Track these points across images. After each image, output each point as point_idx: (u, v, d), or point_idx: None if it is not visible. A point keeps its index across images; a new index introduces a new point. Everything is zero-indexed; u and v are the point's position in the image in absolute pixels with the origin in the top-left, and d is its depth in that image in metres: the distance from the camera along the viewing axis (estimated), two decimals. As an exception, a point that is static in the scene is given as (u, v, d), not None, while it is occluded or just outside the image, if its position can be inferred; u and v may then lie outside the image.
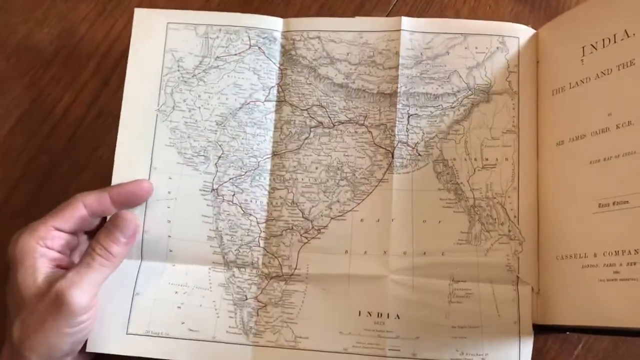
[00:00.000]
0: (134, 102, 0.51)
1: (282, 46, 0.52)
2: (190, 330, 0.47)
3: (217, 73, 0.52)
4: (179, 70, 0.52)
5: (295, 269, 0.48)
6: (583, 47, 0.46)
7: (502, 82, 0.50)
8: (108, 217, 0.47)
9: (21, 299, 0.42)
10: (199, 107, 0.51)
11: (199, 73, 0.52)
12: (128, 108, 0.51)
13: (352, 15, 0.55)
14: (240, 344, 0.47)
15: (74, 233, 0.47)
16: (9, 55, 0.57)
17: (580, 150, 0.45)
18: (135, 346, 0.47)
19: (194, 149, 0.51)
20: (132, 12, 0.52)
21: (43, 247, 0.44)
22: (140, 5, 0.55)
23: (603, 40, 0.45)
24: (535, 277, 0.47)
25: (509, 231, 0.48)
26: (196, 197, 0.50)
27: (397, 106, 0.49)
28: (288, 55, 0.52)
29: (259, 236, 0.49)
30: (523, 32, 0.51)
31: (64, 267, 0.45)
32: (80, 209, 0.46)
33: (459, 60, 0.50)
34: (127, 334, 0.47)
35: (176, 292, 0.48)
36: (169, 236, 0.49)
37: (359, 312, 0.47)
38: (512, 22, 0.52)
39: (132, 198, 0.48)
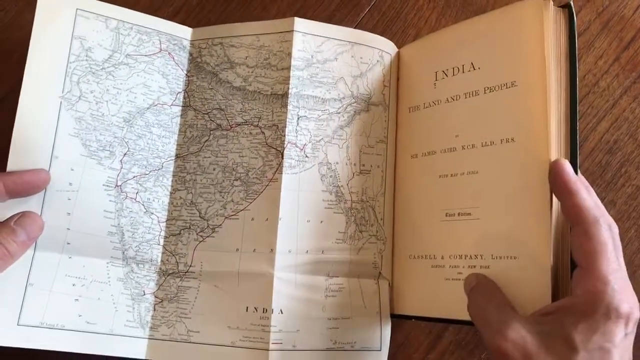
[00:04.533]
0: (36, 86, 0.48)
1: (190, 54, 0.54)
2: (88, 322, 0.48)
3: (127, 70, 0.52)
4: (87, 60, 0.50)
5: (190, 266, 0.51)
6: (436, 72, 0.51)
7: (379, 94, 0.54)
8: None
9: None
10: (107, 101, 0.51)
11: (109, 67, 0.51)
12: (28, 92, 0.48)
13: (331, 9, 0.56)
14: (136, 337, 0.49)
15: None
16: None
17: (431, 164, 0.50)
18: (27, 337, 0.46)
19: (99, 143, 0.50)
20: (116, 3, 0.52)
21: None
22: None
23: (453, 68, 0.49)
24: (390, 272, 0.52)
25: (377, 232, 0.52)
26: (99, 191, 0.49)
27: (288, 107, 0.51)
28: (195, 63, 0.54)
29: (159, 234, 0.51)
30: (393, 49, 0.55)
31: None
32: None
33: (346, 68, 0.53)
34: (18, 325, 0.46)
35: (74, 285, 0.48)
36: (68, 228, 0.48)
37: (247, 307, 0.49)
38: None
39: (28, 188, 0.46)
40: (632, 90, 0.59)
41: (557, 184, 0.41)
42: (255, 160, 0.51)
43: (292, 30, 0.52)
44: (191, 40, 0.55)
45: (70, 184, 0.49)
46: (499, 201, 0.44)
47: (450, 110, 0.49)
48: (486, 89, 0.46)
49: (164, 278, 0.51)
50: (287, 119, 0.51)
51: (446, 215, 0.47)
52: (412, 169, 0.51)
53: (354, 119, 0.52)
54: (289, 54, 0.52)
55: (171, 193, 0.52)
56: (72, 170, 0.49)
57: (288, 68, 0.51)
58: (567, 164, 0.41)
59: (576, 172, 0.42)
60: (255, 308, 0.49)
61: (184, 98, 0.54)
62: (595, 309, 0.36)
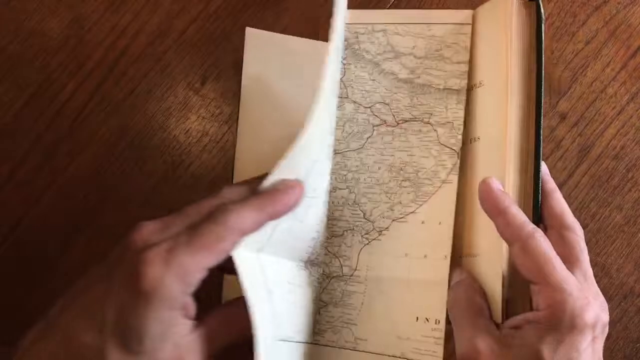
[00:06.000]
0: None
1: (346, 39, 0.50)
2: (298, 332, 0.45)
3: None
4: None
5: (355, 270, 0.48)
6: None
7: None
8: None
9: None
10: None
11: None
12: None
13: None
14: (304, 343, 0.48)
15: None
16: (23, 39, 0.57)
17: None
18: (280, 355, 0.41)
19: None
20: (135, 11, 0.52)
21: (187, 295, 0.34)
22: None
23: None
24: None
25: None
26: (325, 196, 0.46)
27: (465, 104, 0.47)
28: (351, 49, 0.50)
29: (324, 236, 0.49)
30: None
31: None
32: (236, 240, 0.35)
33: None
34: (278, 340, 0.41)
35: (289, 292, 0.43)
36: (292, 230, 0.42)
37: (417, 317, 0.46)
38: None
39: (288, 210, 0.38)
40: (638, 97, 0.60)
41: (486, 207, 0.40)
42: (427, 159, 0.48)
43: (470, 24, 0.47)
44: (347, 24, 0.50)
45: (315, 189, 0.42)
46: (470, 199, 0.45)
47: None
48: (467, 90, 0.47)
49: (327, 281, 0.49)
50: (465, 117, 0.47)
51: None
52: None
53: None
54: (466, 48, 0.47)
55: (331, 192, 0.49)
56: (320, 175, 0.44)
57: (466, 62, 0.47)
58: (493, 183, 0.40)
59: (538, 175, 0.41)
60: (426, 318, 0.46)
61: (341, 88, 0.50)
62: (559, 321, 0.36)
